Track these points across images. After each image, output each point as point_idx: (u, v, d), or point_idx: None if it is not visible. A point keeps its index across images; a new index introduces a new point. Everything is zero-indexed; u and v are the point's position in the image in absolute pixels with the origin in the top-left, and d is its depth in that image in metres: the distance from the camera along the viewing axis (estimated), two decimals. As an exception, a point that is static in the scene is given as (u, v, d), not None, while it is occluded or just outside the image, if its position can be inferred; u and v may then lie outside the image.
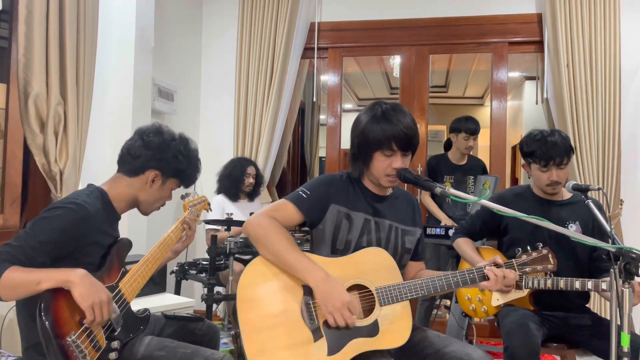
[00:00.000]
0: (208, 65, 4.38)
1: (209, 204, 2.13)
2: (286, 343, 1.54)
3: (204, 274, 3.36)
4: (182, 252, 2.02)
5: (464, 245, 2.33)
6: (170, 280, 3.32)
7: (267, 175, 4.09)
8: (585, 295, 2.26)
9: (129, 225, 2.95)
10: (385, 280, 1.63)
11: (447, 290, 1.65)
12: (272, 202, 4.04)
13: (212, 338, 1.93)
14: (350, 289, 1.62)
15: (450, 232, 2.92)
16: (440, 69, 6.51)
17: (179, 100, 3.88)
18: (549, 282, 2.07)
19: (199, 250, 4.18)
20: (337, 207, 1.71)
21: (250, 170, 3.78)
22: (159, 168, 1.74)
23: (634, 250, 1.42)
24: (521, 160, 2.31)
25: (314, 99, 5.50)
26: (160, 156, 1.73)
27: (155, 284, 2.84)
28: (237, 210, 3.68)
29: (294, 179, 5.91)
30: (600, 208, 1.93)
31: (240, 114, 4.12)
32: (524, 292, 2.18)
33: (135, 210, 1.81)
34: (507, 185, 4.98)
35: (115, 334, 1.57)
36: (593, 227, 2.20)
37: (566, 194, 2.24)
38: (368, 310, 1.62)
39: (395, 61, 5.34)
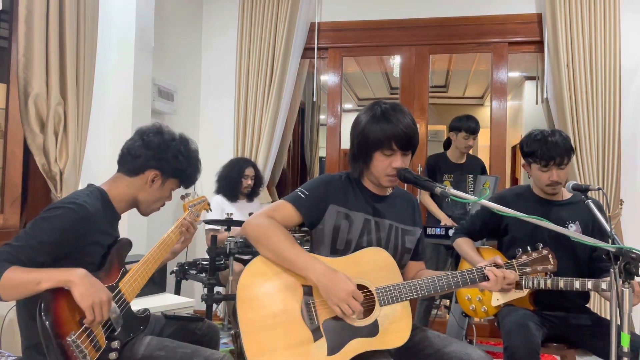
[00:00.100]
0: (208, 65, 4.38)
1: (208, 204, 2.13)
2: (286, 343, 1.54)
3: (204, 274, 3.36)
4: (181, 252, 2.02)
5: (464, 245, 2.33)
6: (170, 280, 3.32)
7: (267, 176, 4.09)
8: (585, 295, 2.26)
9: (129, 225, 2.95)
10: (385, 280, 1.63)
11: (447, 290, 1.65)
12: (272, 202, 4.05)
13: (212, 338, 1.93)
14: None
15: (450, 232, 2.93)
16: (440, 69, 6.51)
17: (179, 100, 3.88)
18: (548, 282, 2.07)
19: (199, 250, 4.18)
20: (336, 207, 1.71)
21: (249, 171, 3.76)
22: (158, 168, 1.74)
23: (634, 250, 1.42)
24: (521, 160, 2.31)
25: (314, 99, 5.50)
26: (160, 156, 1.74)
27: (155, 284, 2.83)
28: (236, 210, 3.67)
29: (294, 179, 5.91)
30: (600, 208, 1.93)
31: (240, 114, 4.12)
32: (524, 292, 2.18)
33: (135, 210, 1.81)
34: (507, 185, 4.98)
35: (115, 334, 1.57)
36: (593, 227, 2.20)
37: (566, 194, 2.24)
38: (368, 310, 1.61)
39: (395, 61, 5.34)
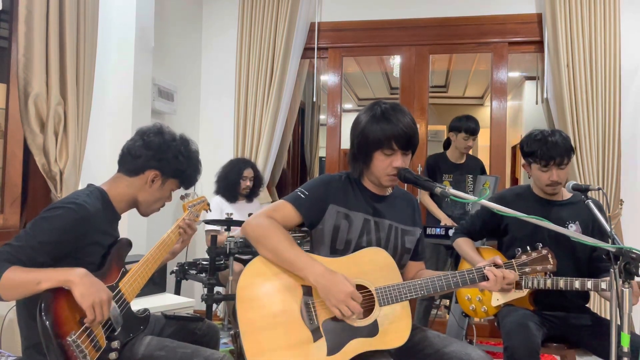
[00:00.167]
0: (208, 65, 4.38)
1: (208, 205, 2.13)
2: (286, 343, 1.54)
3: (204, 274, 3.36)
4: (181, 252, 2.02)
5: (464, 245, 2.33)
6: (170, 280, 3.32)
7: (267, 176, 4.09)
8: (585, 295, 2.26)
9: (129, 225, 2.95)
10: (384, 281, 1.63)
11: (446, 290, 1.65)
12: (271, 202, 4.05)
13: (212, 338, 1.93)
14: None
15: (450, 232, 2.93)
16: (440, 69, 6.51)
17: (179, 100, 3.88)
18: (548, 281, 2.07)
19: (199, 250, 4.18)
20: (336, 207, 1.71)
21: (247, 173, 3.75)
22: (158, 168, 1.74)
23: (634, 250, 1.42)
24: (521, 160, 2.31)
25: (314, 99, 5.50)
26: (161, 156, 1.74)
27: (155, 284, 2.83)
28: (236, 211, 3.66)
29: (294, 179, 5.91)
30: (600, 208, 1.93)
31: (240, 114, 4.12)
32: (524, 292, 2.18)
33: (135, 210, 1.82)
34: (507, 185, 4.98)
35: (116, 333, 1.57)
36: (593, 227, 2.20)
37: (566, 194, 2.24)
38: (368, 310, 1.61)
39: (395, 61, 5.34)
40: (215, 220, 3.27)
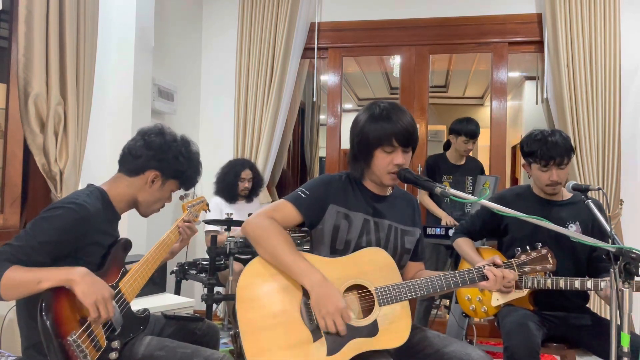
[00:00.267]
0: (208, 65, 4.38)
1: (207, 205, 2.13)
2: (285, 343, 1.54)
3: (204, 274, 3.36)
4: (181, 252, 2.02)
5: (464, 245, 2.33)
6: (170, 280, 3.32)
7: (267, 176, 4.09)
8: (585, 295, 2.26)
9: (129, 225, 2.95)
10: (384, 280, 1.63)
11: (446, 290, 1.65)
12: (271, 202, 4.05)
13: (212, 338, 1.93)
14: (350, 289, 1.62)
15: (450, 232, 2.92)
16: (440, 69, 6.50)
17: (179, 100, 3.88)
18: (548, 281, 2.07)
19: (199, 250, 4.18)
20: (336, 207, 1.71)
21: (245, 174, 3.73)
22: (159, 169, 1.75)
23: (634, 250, 1.42)
24: (521, 160, 2.31)
25: (314, 99, 5.50)
26: (161, 156, 1.74)
27: (155, 284, 2.83)
28: (235, 211, 3.66)
29: (294, 179, 5.91)
30: (600, 208, 1.93)
31: (240, 114, 4.12)
32: (524, 292, 2.18)
33: (135, 210, 1.82)
34: (507, 185, 4.98)
35: (116, 333, 1.57)
36: (593, 227, 2.20)
37: (566, 194, 2.24)
38: (367, 310, 1.62)
39: (395, 61, 5.34)
40: (215, 221, 3.27)
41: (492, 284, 1.59)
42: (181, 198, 2.02)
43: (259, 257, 1.64)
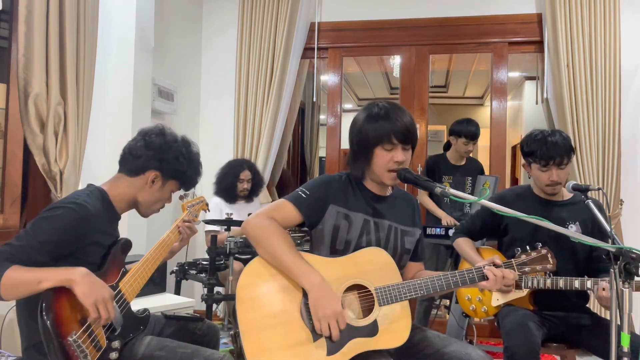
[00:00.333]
0: (208, 65, 4.38)
1: (207, 205, 2.13)
2: (285, 343, 1.54)
3: (204, 274, 3.36)
4: (181, 252, 2.02)
5: (464, 245, 2.33)
6: (170, 280, 3.32)
7: (267, 176, 4.09)
8: (585, 295, 2.26)
9: (129, 225, 2.95)
10: (384, 280, 1.63)
11: (446, 290, 1.65)
12: (271, 202, 4.04)
13: (212, 338, 1.93)
14: (350, 288, 1.62)
15: (450, 232, 2.92)
16: (440, 69, 6.50)
17: (179, 100, 3.88)
18: (548, 281, 2.07)
19: (199, 250, 4.18)
20: (336, 207, 1.71)
21: (244, 175, 3.72)
22: (159, 169, 1.75)
23: (634, 250, 1.42)
24: (521, 160, 2.31)
25: (314, 99, 5.50)
26: (161, 157, 1.74)
27: (155, 284, 2.83)
28: (235, 211, 3.66)
29: (294, 179, 5.91)
30: (600, 208, 1.93)
31: (240, 114, 4.12)
32: (524, 292, 2.18)
33: (135, 210, 1.82)
34: (507, 185, 4.98)
35: (116, 333, 1.57)
36: (593, 228, 2.20)
37: (567, 194, 2.24)
38: (367, 310, 1.62)
39: (395, 61, 5.34)
40: (215, 221, 3.27)
41: (492, 284, 1.60)
42: (181, 198, 2.02)
43: (259, 257, 1.64)
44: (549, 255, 1.71)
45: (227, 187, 3.70)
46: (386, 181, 1.71)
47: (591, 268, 2.20)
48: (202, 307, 3.15)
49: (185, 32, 4.12)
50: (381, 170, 1.69)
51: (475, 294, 2.35)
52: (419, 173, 3.86)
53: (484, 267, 1.62)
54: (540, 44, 3.85)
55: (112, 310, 1.48)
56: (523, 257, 1.70)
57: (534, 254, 1.70)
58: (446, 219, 3.49)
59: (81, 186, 2.32)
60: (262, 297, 1.58)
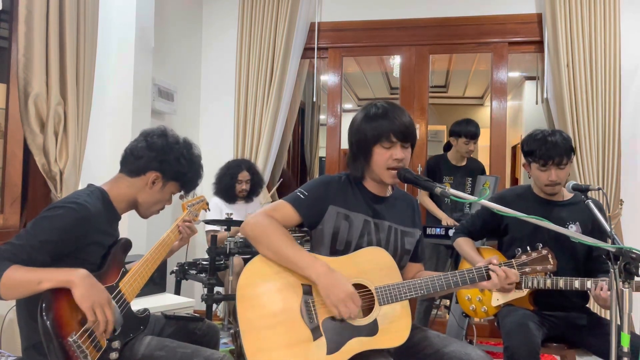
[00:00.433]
0: (208, 65, 4.38)
1: (207, 204, 2.13)
2: (285, 342, 1.54)
3: (204, 274, 3.36)
4: (181, 252, 2.02)
5: (464, 244, 2.33)
6: (170, 280, 3.32)
7: (267, 176, 4.09)
8: (585, 295, 2.26)
9: (129, 225, 2.95)
10: (384, 280, 1.63)
11: (446, 290, 1.65)
12: (271, 202, 4.04)
13: (212, 338, 1.93)
14: (350, 288, 1.62)
15: (450, 232, 2.92)
16: (440, 69, 6.51)
17: (179, 100, 3.88)
18: (548, 281, 2.07)
19: (199, 250, 4.18)
20: (336, 208, 1.71)
21: (242, 176, 3.71)
22: (160, 170, 1.75)
23: (634, 250, 1.42)
24: (521, 160, 2.31)
25: (314, 99, 5.50)
26: (162, 158, 1.74)
27: (155, 284, 2.83)
28: (235, 212, 3.65)
29: (294, 179, 5.91)
30: (600, 208, 1.93)
31: (240, 114, 4.12)
32: (524, 292, 2.18)
33: (135, 210, 1.82)
34: (507, 185, 4.98)
35: (116, 333, 1.57)
36: (593, 228, 2.20)
37: (567, 195, 2.24)
38: (367, 309, 1.62)
39: (395, 61, 5.34)
40: (215, 220, 3.27)
41: (496, 283, 1.59)
42: (181, 197, 2.02)
43: (260, 256, 1.64)
44: (550, 256, 1.70)
45: (225, 188, 3.70)
46: (386, 180, 1.71)
47: (591, 268, 2.20)
48: (202, 307, 3.15)
49: (185, 32, 4.12)
50: (380, 168, 1.68)
51: (475, 294, 2.35)
52: (419, 173, 3.86)
53: (486, 266, 1.62)
54: (540, 44, 3.85)
55: (110, 314, 1.48)
56: (523, 257, 1.70)
57: (534, 254, 1.70)
58: (446, 220, 3.49)
59: (81, 186, 2.32)
60: (263, 296, 1.58)
